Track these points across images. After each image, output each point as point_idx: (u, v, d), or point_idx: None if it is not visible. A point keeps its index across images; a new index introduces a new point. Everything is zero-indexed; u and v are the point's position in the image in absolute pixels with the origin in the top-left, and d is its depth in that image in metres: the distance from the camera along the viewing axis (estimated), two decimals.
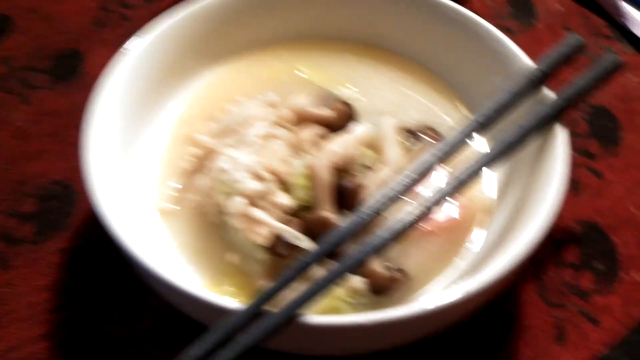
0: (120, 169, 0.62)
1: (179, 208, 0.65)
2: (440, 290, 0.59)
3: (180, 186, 0.66)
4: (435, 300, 0.47)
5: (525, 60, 0.64)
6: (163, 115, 0.71)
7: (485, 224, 0.64)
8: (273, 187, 0.58)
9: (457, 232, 0.63)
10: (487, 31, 0.68)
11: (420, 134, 0.70)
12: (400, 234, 0.50)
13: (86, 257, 0.68)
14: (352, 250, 0.51)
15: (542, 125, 0.58)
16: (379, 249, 0.49)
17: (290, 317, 0.44)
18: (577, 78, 0.60)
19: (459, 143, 0.57)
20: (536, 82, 0.61)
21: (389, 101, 0.74)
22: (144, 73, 0.67)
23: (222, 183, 0.58)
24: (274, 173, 0.58)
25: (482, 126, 0.58)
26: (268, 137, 0.61)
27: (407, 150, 0.68)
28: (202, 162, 0.65)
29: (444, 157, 0.56)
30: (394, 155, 0.65)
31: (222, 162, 0.58)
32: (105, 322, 0.63)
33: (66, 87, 0.85)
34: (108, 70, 0.66)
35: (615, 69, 0.61)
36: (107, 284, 0.65)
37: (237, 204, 0.56)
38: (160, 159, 0.68)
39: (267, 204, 0.57)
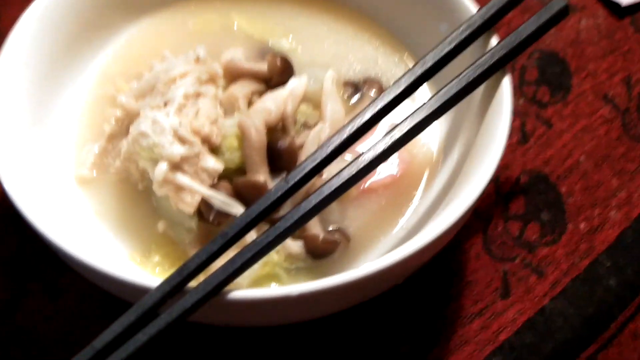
0: (31, 135, 0.57)
1: (96, 175, 0.60)
2: (382, 252, 0.56)
3: (100, 151, 0.61)
4: (368, 267, 0.44)
5: (470, 7, 0.60)
6: (83, 74, 0.65)
7: (428, 179, 0.61)
8: (199, 150, 0.53)
9: (399, 189, 0.60)
10: None
11: (363, 87, 0.66)
12: (338, 193, 0.47)
13: None
14: (287, 213, 0.48)
15: (486, 74, 0.54)
16: (315, 210, 0.46)
17: (212, 292, 0.41)
18: (524, 24, 0.56)
19: (400, 95, 0.53)
20: (480, 28, 0.57)
21: (330, 52, 0.69)
22: (57, 27, 0.61)
23: (144, 148, 0.53)
24: (200, 135, 0.54)
25: (423, 76, 0.54)
26: (194, 96, 0.56)
27: (348, 104, 0.64)
28: (124, 124, 0.60)
29: (385, 111, 0.53)
30: (332, 111, 0.61)
31: (142, 125, 0.53)
32: (23, 298, 0.59)
33: None
34: (16, 25, 0.59)
35: (562, 15, 0.57)
36: (22, 256, 0.61)
37: (161, 170, 0.52)
38: (79, 122, 0.63)
39: (194, 169, 0.53)
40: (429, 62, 0.55)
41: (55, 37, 0.61)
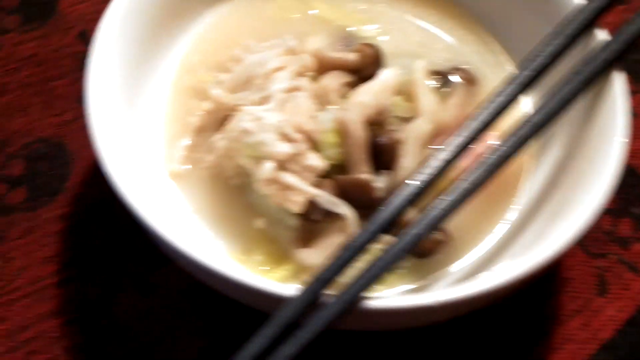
0: (124, 127, 0.55)
1: (191, 169, 0.58)
2: (483, 251, 0.55)
3: (190, 145, 0.59)
4: (500, 276, 0.43)
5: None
6: (163, 64, 0.62)
7: (528, 175, 0.59)
8: (304, 147, 0.52)
9: (498, 186, 0.58)
10: None
11: (451, 77, 0.64)
12: (460, 204, 0.45)
13: (88, 224, 0.61)
14: (410, 223, 0.46)
15: (596, 75, 0.52)
16: (439, 222, 0.44)
17: (352, 303, 0.40)
18: (635, 16, 0.54)
19: (507, 103, 0.51)
20: (585, 22, 0.55)
21: (414, 40, 0.66)
22: (141, 16, 0.58)
23: (247, 146, 0.51)
24: (303, 132, 0.52)
25: (529, 81, 0.52)
26: (292, 90, 0.54)
27: (440, 95, 0.62)
28: (214, 117, 0.58)
29: (493, 120, 0.50)
30: (428, 104, 0.59)
31: (245, 122, 0.51)
32: (118, 293, 0.58)
33: (40, 28, 0.75)
34: (104, 17, 0.57)
35: None
36: (114, 251, 0.60)
37: (267, 169, 0.50)
38: (165, 114, 0.61)
39: (298, 167, 0.51)
40: (534, 65, 0.52)
41: (141, 24, 0.58)
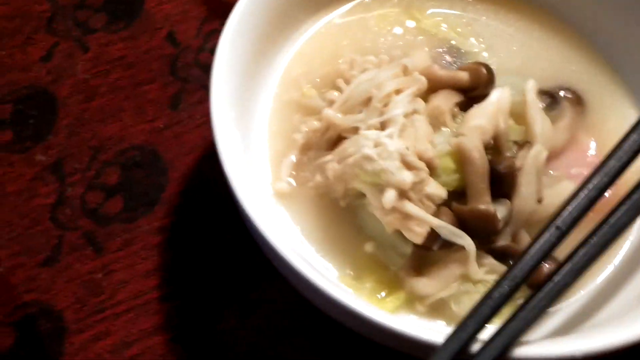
0: (238, 145, 0.54)
1: (296, 187, 0.57)
2: (591, 291, 0.54)
3: (296, 163, 0.58)
4: None
5: None
6: (267, 78, 0.61)
7: None
8: (425, 175, 0.50)
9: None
10: None
11: (560, 97, 0.62)
12: (600, 253, 0.44)
13: (186, 236, 0.61)
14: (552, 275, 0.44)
15: None
16: (584, 270, 0.43)
17: (503, 353, 0.39)
18: None
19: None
20: None
21: (519, 57, 0.64)
22: (253, 29, 0.57)
23: (367, 172, 0.50)
24: (424, 159, 0.51)
25: None
26: (411, 114, 0.53)
27: (549, 117, 0.60)
28: (323, 137, 0.56)
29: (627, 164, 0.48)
30: (543, 128, 0.57)
31: (366, 148, 0.50)
32: (222, 310, 0.57)
33: (127, 28, 0.73)
34: (225, 30, 0.55)
35: None
36: (215, 267, 0.59)
37: (389, 198, 0.49)
38: (269, 131, 0.59)
39: (419, 196, 0.50)
40: None
41: (250, 43, 0.57)
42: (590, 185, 0.45)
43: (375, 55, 0.61)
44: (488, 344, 0.40)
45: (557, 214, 0.45)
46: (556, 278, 0.43)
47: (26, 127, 0.66)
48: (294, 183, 0.57)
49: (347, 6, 0.66)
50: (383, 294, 0.53)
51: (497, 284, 0.43)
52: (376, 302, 0.52)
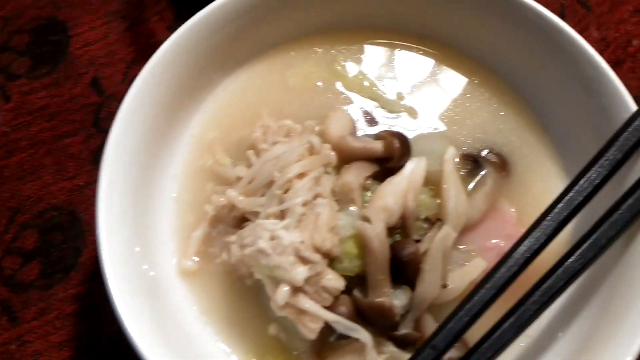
0: (135, 214, 0.53)
1: (200, 265, 0.56)
2: None
3: (203, 237, 0.57)
4: None
5: (628, 104, 0.52)
6: (178, 143, 0.59)
7: None
8: (321, 268, 0.49)
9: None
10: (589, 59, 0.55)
11: (484, 161, 0.60)
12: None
13: (102, 305, 0.60)
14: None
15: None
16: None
17: None
18: None
19: (551, 234, 0.47)
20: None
21: (447, 115, 0.62)
22: (159, 93, 0.55)
23: (262, 266, 0.49)
24: (322, 251, 0.49)
25: (578, 207, 0.48)
26: (311, 200, 0.51)
27: (468, 185, 0.59)
28: (230, 214, 0.55)
29: (535, 254, 0.47)
30: (455, 205, 0.55)
31: (261, 242, 0.48)
32: None
33: (50, 74, 0.71)
34: (126, 98, 0.54)
35: None
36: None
37: (282, 294, 0.48)
38: (176, 198, 0.58)
39: (315, 289, 0.49)
40: (582, 192, 0.48)
41: (156, 108, 0.55)
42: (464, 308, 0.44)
43: (293, 118, 0.59)
44: None
45: (435, 333, 0.44)
46: None
47: None
48: (198, 260, 0.56)
49: (267, 60, 0.63)
50: None
51: None
52: None
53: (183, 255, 0.56)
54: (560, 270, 0.45)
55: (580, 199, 0.46)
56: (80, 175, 0.66)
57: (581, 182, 0.47)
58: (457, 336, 0.44)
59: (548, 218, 0.48)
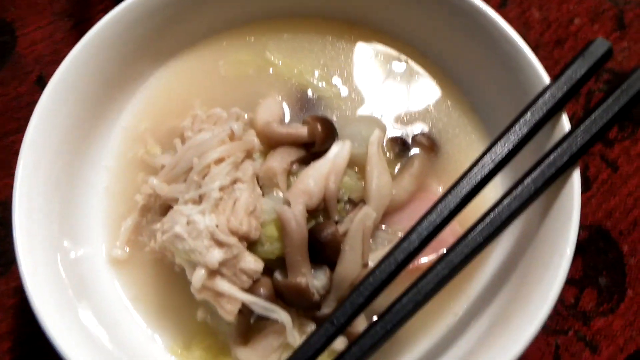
0: (61, 204, 0.54)
1: (130, 254, 0.57)
2: (432, 348, 0.54)
3: (133, 226, 0.58)
4: None
5: (542, 77, 0.52)
6: (110, 135, 0.61)
7: (484, 261, 0.57)
8: (238, 251, 0.50)
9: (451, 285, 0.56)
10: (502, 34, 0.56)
11: (411, 142, 0.61)
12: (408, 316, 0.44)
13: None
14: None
15: (559, 173, 0.48)
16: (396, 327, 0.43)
17: None
18: (598, 109, 0.49)
19: (470, 193, 0.48)
20: (554, 108, 0.50)
21: (377, 97, 0.62)
22: (86, 82, 0.56)
23: (179, 251, 0.50)
24: (239, 234, 0.50)
25: (494, 170, 0.48)
26: (231, 183, 0.52)
27: (395, 167, 0.59)
28: (156, 202, 0.56)
29: (454, 213, 0.48)
30: (378, 187, 0.55)
31: (177, 226, 0.49)
32: None
33: None
34: (50, 83, 0.55)
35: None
36: None
37: (198, 277, 0.49)
38: (107, 190, 0.59)
39: (232, 271, 0.50)
40: (500, 152, 0.49)
41: (81, 100, 0.56)
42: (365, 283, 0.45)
43: (225, 107, 0.60)
44: None
45: (335, 309, 0.45)
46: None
47: None
48: (128, 249, 0.57)
49: (199, 50, 0.64)
50: None
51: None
52: None
53: (113, 244, 0.57)
54: (462, 244, 0.46)
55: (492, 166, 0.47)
56: None
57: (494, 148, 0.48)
58: (357, 311, 0.44)
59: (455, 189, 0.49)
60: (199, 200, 0.52)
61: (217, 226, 0.50)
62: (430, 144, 0.61)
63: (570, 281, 0.63)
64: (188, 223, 0.50)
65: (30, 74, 0.73)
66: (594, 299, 0.62)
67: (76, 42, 0.73)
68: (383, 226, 0.57)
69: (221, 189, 0.51)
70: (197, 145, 0.54)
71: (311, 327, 0.52)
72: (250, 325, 0.53)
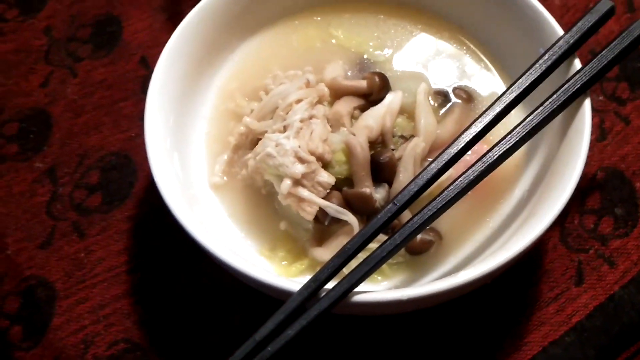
0: (175, 145, 0.68)
1: (226, 181, 0.71)
2: (472, 249, 0.66)
3: (228, 161, 0.72)
4: (468, 273, 0.54)
5: (556, 29, 0.65)
6: (207, 93, 0.76)
7: (513, 182, 0.69)
8: (316, 167, 0.63)
9: (487, 191, 0.68)
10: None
11: (452, 96, 0.74)
12: (443, 209, 0.56)
13: (149, 223, 0.76)
14: (407, 222, 0.57)
15: (572, 98, 0.61)
16: (426, 224, 0.55)
17: (342, 297, 0.52)
18: (605, 49, 0.62)
19: (498, 116, 0.61)
20: (567, 51, 0.63)
21: (421, 63, 0.76)
22: (189, 54, 0.71)
23: (270, 166, 0.63)
24: (315, 154, 0.64)
25: (517, 99, 0.61)
26: (308, 118, 0.66)
27: (439, 114, 0.72)
28: (247, 139, 0.70)
29: (483, 132, 0.60)
30: (425, 124, 0.69)
31: (269, 148, 0.63)
32: (173, 281, 0.72)
33: (108, 55, 0.89)
34: (161, 55, 0.70)
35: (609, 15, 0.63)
36: (170, 247, 0.74)
37: (286, 185, 0.62)
38: (207, 135, 0.74)
39: (311, 183, 0.63)
40: (522, 85, 0.61)
41: (187, 63, 0.71)
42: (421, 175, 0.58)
43: (298, 69, 0.74)
44: (331, 290, 0.53)
45: (398, 193, 0.58)
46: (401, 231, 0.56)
47: (28, 141, 0.83)
48: (225, 178, 0.71)
49: (275, 28, 0.79)
50: (291, 262, 0.66)
51: (349, 242, 0.56)
52: (285, 268, 0.66)
53: (212, 173, 0.72)
54: (495, 148, 0.58)
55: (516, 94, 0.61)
56: (132, 129, 0.83)
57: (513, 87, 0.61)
58: (415, 196, 0.57)
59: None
60: (284, 130, 0.66)
61: (299, 147, 0.63)
62: (468, 96, 0.74)
63: (590, 210, 0.74)
64: (276, 145, 0.64)
65: (135, 55, 0.89)
66: (611, 225, 0.73)
67: (171, 31, 0.89)
68: (429, 160, 0.69)
69: (301, 120, 0.65)
70: (280, 91, 0.69)
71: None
72: (324, 231, 0.66)
